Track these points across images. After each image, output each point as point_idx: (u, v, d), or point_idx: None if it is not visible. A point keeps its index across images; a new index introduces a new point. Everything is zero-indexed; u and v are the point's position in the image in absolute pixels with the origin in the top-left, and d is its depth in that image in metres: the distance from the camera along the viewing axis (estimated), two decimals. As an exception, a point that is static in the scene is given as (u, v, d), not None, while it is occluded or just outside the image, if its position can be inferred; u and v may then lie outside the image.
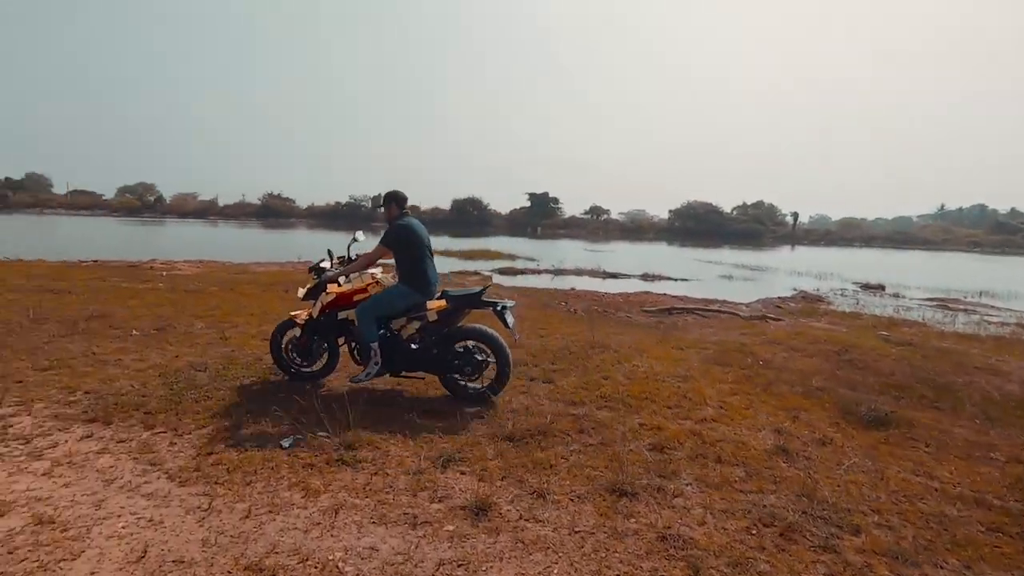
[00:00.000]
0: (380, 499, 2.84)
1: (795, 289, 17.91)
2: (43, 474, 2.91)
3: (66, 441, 3.31)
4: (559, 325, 8.07)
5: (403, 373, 4.41)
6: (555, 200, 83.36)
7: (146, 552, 2.31)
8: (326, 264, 4.65)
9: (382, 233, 4.33)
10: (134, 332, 6.05)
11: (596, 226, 79.43)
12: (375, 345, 4.20)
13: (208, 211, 72.45)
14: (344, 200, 76.08)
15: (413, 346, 4.34)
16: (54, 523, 2.48)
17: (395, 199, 4.38)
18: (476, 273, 17.71)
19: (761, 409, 4.57)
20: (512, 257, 27.29)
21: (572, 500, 2.93)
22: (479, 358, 4.31)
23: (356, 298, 4.33)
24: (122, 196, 77.57)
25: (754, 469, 3.42)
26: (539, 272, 20.16)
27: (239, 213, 70.57)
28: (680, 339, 7.52)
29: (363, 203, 74.17)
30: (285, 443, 3.40)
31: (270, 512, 2.66)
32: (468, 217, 74.83)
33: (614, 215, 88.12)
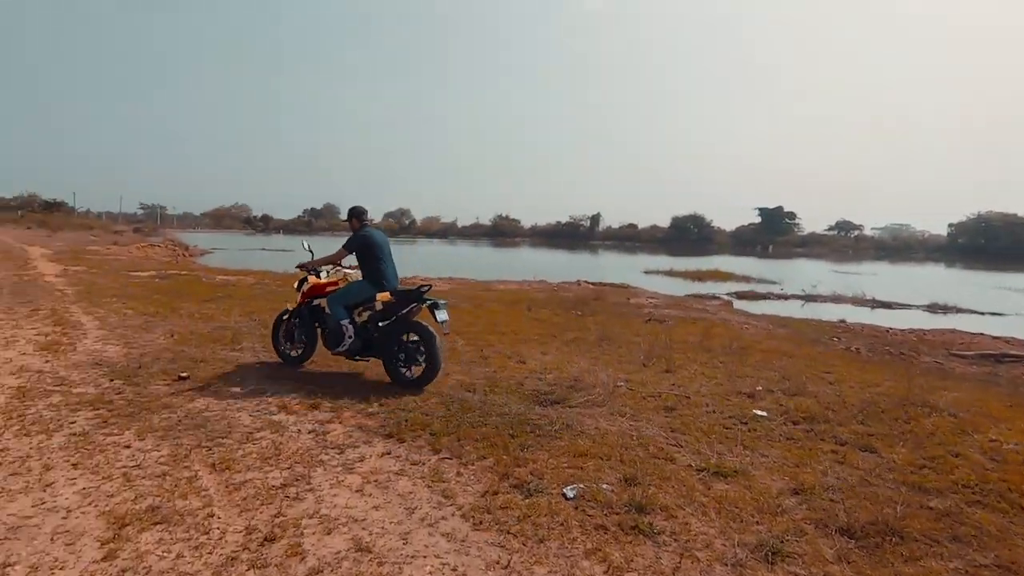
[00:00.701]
0: (700, 597, 2.27)
1: None
2: (356, 490, 3.04)
3: (370, 456, 3.49)
4: (845, 369, 6.60)
5: (356, 357, 5.18)
6: (791, 215, 74.70)
7: (457, 613, 2.11)
8: (306, 258, 5.59)
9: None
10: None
11: (843, 244, 68.68)
12: (345, 322, 5.05)
13: (448, 231, 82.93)
14: (564, 219, 79.31)
15: (375, 335, 5.05)
16: (371, 552, 2.47)
17: (356, 214, 5.39)
18: (715, 297, 16.23)
19: None
20: (746, 279, 24.76)
21: (996, 664, 1.97)
22: (414, 349, 4.89)
23: (328, 289, 5.38)
24: (385, 220, 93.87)
25: None
26: (785, 298, 17.72)
27: (473, 233, 79.06)
28: (1047, 404, 5.45)
29: (582, 222, 76.27)
30: (569, 492, 3.08)
31: (574, 587, 2.30)
32: (688, 235, 71.44)
33: (867, 231, 75.42)
